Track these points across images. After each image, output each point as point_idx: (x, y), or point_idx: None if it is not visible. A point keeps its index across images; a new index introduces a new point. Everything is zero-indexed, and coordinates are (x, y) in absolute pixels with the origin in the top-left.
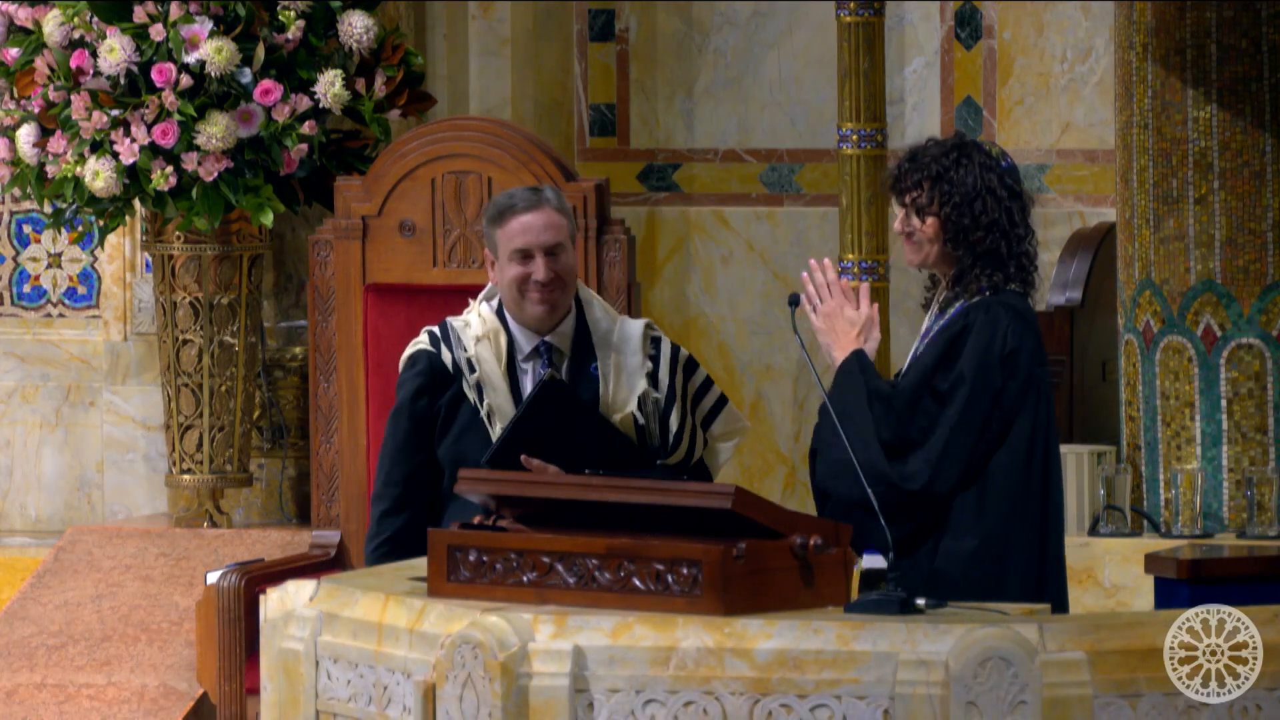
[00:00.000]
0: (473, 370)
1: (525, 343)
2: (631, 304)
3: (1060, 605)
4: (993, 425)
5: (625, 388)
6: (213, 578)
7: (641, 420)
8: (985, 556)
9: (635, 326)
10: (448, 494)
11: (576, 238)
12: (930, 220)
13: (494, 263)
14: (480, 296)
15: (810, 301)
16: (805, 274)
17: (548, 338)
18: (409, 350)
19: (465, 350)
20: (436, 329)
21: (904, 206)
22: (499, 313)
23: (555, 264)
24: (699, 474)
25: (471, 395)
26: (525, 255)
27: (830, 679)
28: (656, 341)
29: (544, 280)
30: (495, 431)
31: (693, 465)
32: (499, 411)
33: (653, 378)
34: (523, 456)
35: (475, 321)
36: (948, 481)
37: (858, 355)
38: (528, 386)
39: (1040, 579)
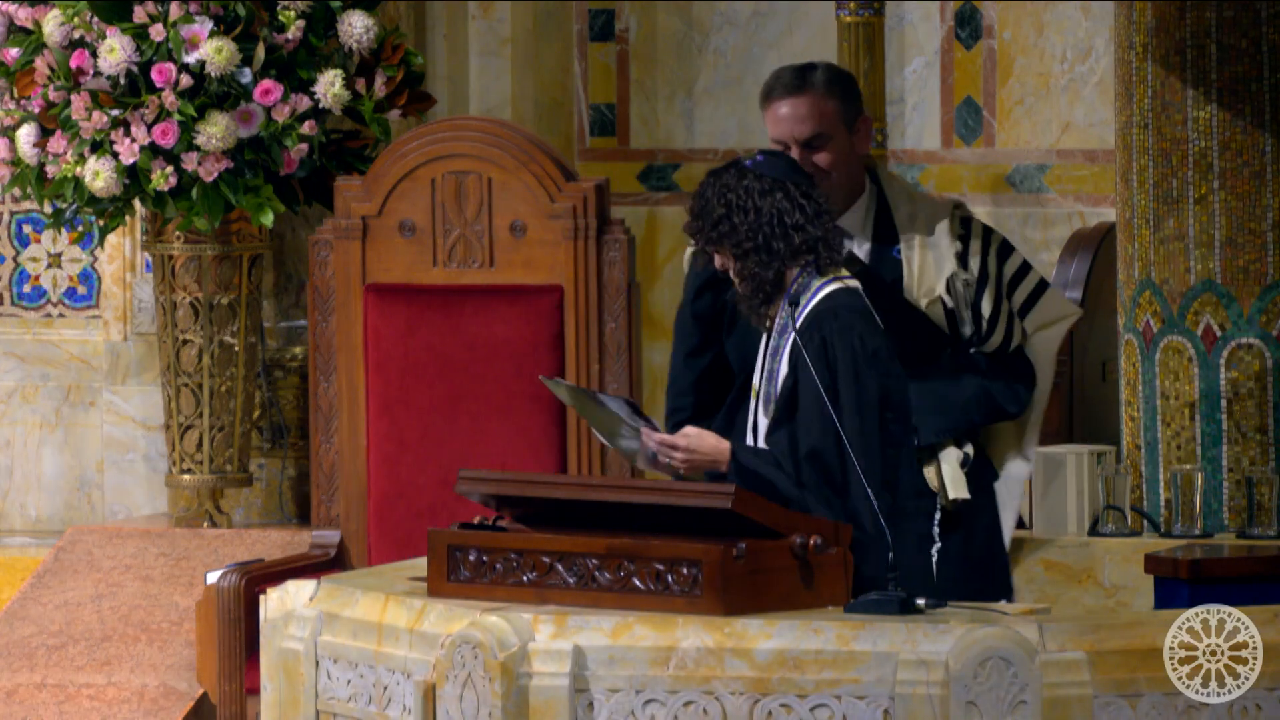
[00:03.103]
0: None
1: None
2: (631, 304)
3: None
4: (890, 429)
5: (932, 271)
6: (213, 578)
7: (951, 304)
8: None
9: (942, 206)
10: (741, 390)
11: (859, 123)
12: (717, 252)
13: None
14: None
15: (676, 467)
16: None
17: (836, 222)
18: (692, 246)
19: None
20: None
21: (710, 254)
22: None
23: (814, 156)
24: (1018, 364)
25: None
26: (783, 146)
27: (830, 679)
28: (966, 222)
29: None
30: None
31: (1011, 353)
32: None
33: (961, 259)
34: None
35: None
36: (885, 504)
37: (733, 458)
38: None
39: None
